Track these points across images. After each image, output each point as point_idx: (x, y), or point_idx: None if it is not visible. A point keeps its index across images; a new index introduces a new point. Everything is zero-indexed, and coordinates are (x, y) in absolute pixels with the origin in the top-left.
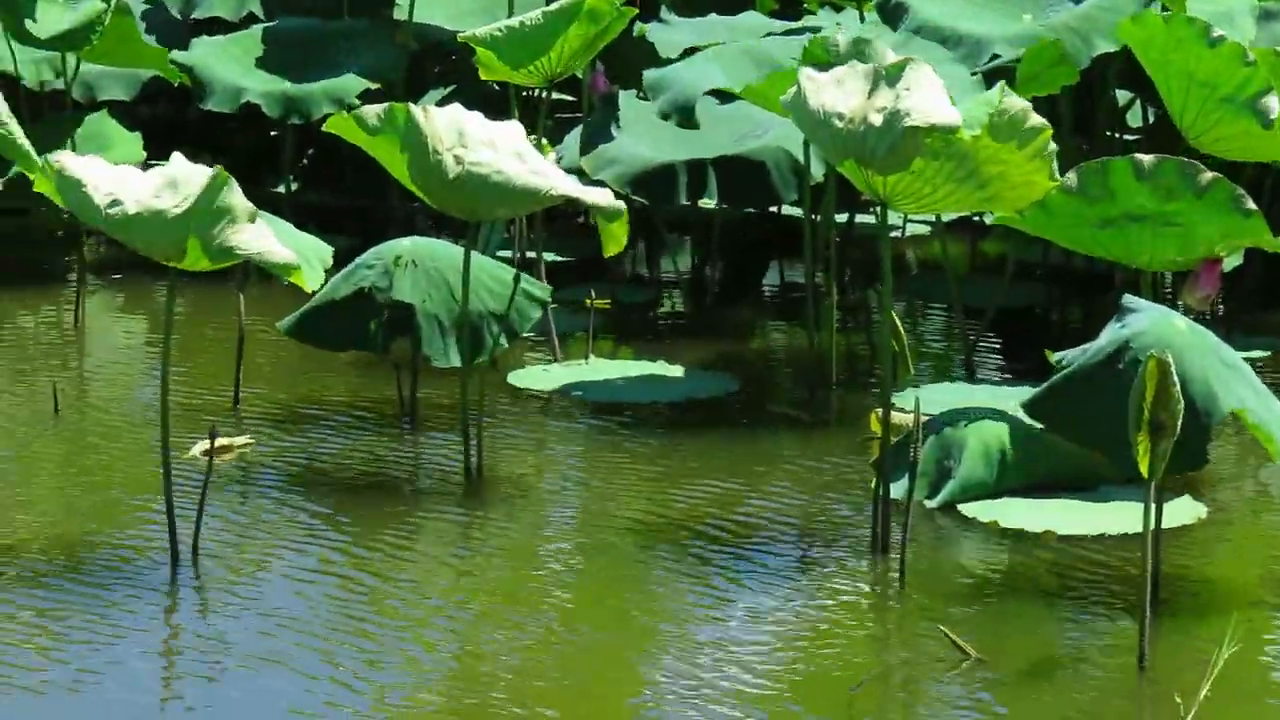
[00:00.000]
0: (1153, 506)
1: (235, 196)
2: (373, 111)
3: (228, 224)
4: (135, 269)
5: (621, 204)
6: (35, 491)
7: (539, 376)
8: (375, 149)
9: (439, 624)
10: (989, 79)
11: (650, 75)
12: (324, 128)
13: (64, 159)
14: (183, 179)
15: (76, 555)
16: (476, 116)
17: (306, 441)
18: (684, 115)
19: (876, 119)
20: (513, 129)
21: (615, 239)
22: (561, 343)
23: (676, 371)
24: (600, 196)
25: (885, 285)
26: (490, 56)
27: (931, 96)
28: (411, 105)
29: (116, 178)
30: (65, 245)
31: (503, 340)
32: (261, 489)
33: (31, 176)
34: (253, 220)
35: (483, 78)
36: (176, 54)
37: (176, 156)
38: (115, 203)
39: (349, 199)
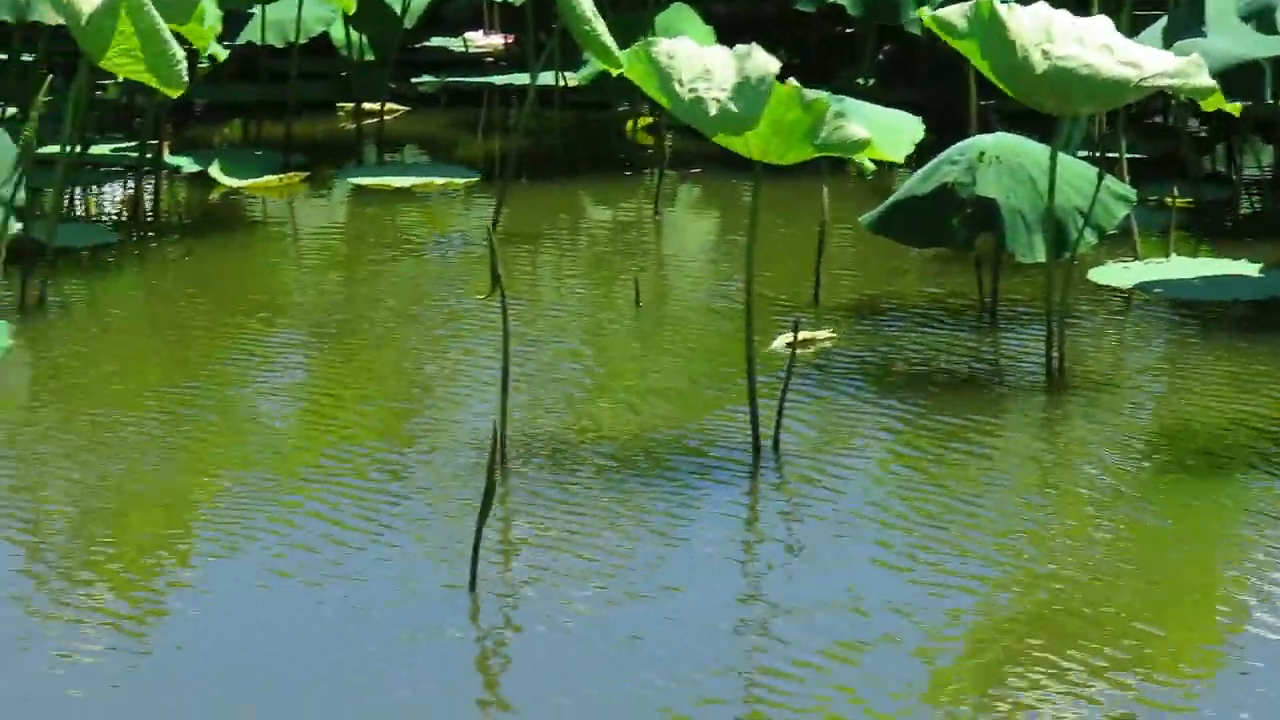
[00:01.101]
0: None
1: (805, 94)
2: (958, 11)
3: (806, 120)
4: (713, 162)
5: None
6: (618, 381)
7: (1119, 274)
8: (963, 46)
9: (1026, 517)
10: None
11: None
12: (924, 23)
13: (658, 43)
14: (757, 75)
15: (658, 443)
16: (1063, 14)
17: (886, 336)
18: (1262, 20)
19: None
20: (1100, 23)
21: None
22: (1141, 239)
23: (1256, 270)
24: (1199, 78)
25: None
26: None
27: None
28: (996, 2)
29: (703, 69)
30: (644, 139)
31: (1088, 237)
32: (843, 382)
33: (613, 73)
34: (822, 116)
35: None
36: None
37: (754, 48)
38: (698, 100)
39: (925, 96)
